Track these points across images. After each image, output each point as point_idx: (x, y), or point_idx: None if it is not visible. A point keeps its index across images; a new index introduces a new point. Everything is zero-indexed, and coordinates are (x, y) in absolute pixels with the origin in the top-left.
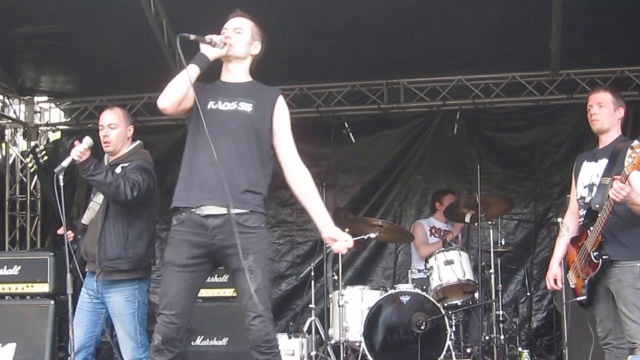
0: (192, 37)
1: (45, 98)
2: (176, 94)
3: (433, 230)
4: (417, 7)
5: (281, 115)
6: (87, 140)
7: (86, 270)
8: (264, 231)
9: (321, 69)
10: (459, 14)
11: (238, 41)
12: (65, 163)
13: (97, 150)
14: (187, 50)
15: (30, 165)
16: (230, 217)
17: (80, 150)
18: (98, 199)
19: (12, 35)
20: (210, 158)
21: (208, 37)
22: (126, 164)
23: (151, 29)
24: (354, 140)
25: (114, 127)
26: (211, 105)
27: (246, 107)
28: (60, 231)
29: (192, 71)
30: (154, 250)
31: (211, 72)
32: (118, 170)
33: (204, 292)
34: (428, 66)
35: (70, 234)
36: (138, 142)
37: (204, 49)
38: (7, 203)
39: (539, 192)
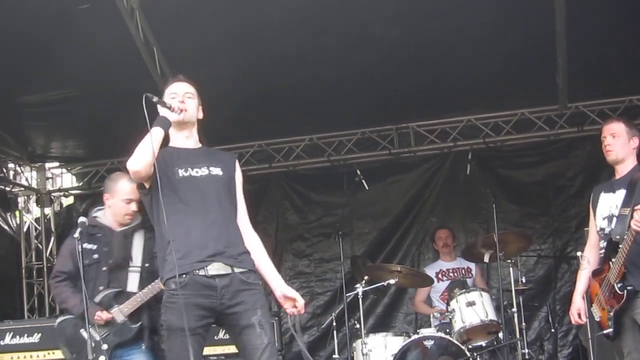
0: (155, 99)
1: (57, 164)
2: (148, 155)
3: (440, 275)
4: (421, 50)
5: (240, 178)
6: (81, 220)
7: None
8: (262, 288)
9: (330, 118)
10: (463, 54)
11: (191, 106)
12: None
13: None
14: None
15: None
16: (235, 275)
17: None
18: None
19: (21, 104)
20: (201, 223)
21: (168, 102)
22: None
23: (157, 89)
24: (367, 187)
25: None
26: (182, 173)
27: (217, 171)
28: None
29: (157, 133)
30: None
31: None
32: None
33: (208, 350)
34: (436, 108)
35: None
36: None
37: (164, 112)
38: (23, 271)
39: (556, 227)
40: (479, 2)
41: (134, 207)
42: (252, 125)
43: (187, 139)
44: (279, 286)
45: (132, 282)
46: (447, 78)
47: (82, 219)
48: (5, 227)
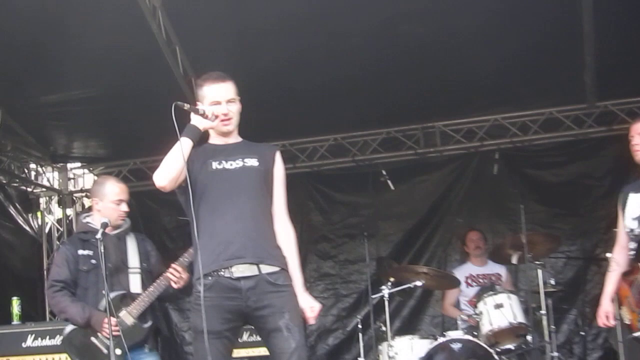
0: (186, 107)
1: (79, 164)
2: (173, 170)
3: (470, 280)
4: (446, 48)
5: (279, 168)
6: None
7: None
8: (293, 289)
9: (355, 118)
10: (490, 52)
11: (235, 112)
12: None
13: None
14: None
15: None
16: (262, 277)
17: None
18: None
19: (42, 104)
20: (228, 217)
21: (201, 109)
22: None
23: (180, 89)
24: (392, 188)
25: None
26: (216, 165)
27: (252, 162)
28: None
29: (185, 144)
30: None
31: None
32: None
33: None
34: (463, 107)
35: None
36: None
37: (195, 120)
38: (45, 272)
39: (585, 228)
40: (504, 1)
41: (124, 207)
42: (275, 125)
43: (225, 137)
44: (299, 295)
45: (135, 283)
46: (474, 77)
47: (104, 219)
48: (27, 228)
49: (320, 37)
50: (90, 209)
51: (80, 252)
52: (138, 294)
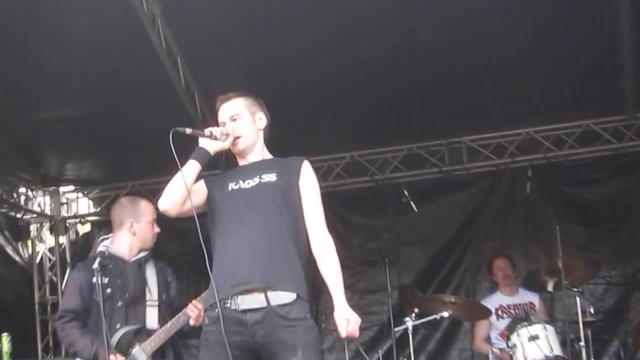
0: (188, 131)
1: (72, 187)
2: (177, 194)
3: (500, 312)
4: (472, 56)
5: (307, 179)
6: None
7: None
8: (310, 322)
9: (373, 133)
10: (519, 61)
11: (242, 129)
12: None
13: None
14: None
15: None
16: (271, 309)
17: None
18: None
19: (32, 122)
20: (240, 238)
21: (207, 130)
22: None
23: (182, 104)
24: (415, 209)
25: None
26: (232, 186)
27: (270, 177)
28: None
29: (191, 167)
30: None
31: None
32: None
33: None
34: (491, 120)
35: None
36: None
37: (203, 142)
38: (37, 306)
39: (626, 250)
40: (535, 5)
41: (157, 228)
42: (287, 142)
43: (249, 157)
44: (335, 304)
45: (151, 317)
46: (503, 87)
47: (102, 247)
48: (17, 257)
49: (335, 51)
50: (109, 230)
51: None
52: (153, 330)
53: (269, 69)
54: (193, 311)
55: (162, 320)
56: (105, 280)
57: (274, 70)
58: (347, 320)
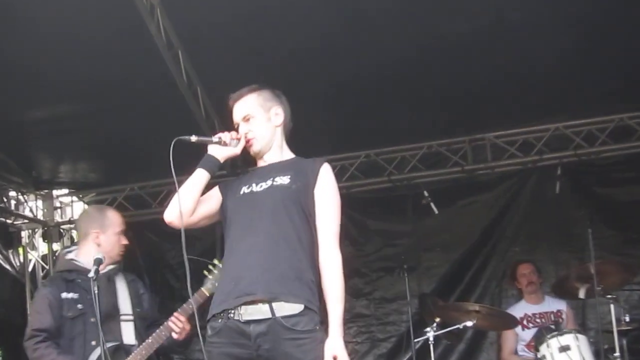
0: (194, 139)
1: (66, 191)
2: (183, 205)
3: (525, 321)
4: (497, 45)
5: (324, 185)
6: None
7: None
8: (320, 334)
9: (390, 130)
10: (548, 48)
11: (255, 130)
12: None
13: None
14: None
15: None
16: (276, 321)
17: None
18: None
19: (23, 122)
20: (246, 246)
21: (216, 137)
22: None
23: (184, 102)
24: (436, 212)
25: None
26: (244, 190)
27: (283, 180)
28: None
29: (199, 177)
30: None
31: None
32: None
33: None
34: (518, 115)
35: None
36: None
37: (212, 149)
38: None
39: None
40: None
41: (124, 239)
42: (297, 140)
43: (267, 158)
44: (329, 334)
45: (128, 333)
46: (529, 79)
47: (99, 254)
48: (7, 266)
49: (349, 39)
50: (73, 242)
51: (64, 295)
52: (132, 346)
53: (276, 63)
54: (176, 324)
55: (139, 335)
56: (75, 295)
57: (281, 65)
58: (334, 358)
